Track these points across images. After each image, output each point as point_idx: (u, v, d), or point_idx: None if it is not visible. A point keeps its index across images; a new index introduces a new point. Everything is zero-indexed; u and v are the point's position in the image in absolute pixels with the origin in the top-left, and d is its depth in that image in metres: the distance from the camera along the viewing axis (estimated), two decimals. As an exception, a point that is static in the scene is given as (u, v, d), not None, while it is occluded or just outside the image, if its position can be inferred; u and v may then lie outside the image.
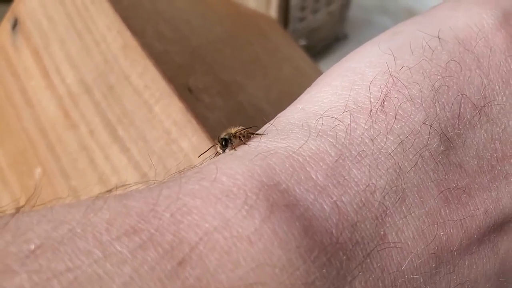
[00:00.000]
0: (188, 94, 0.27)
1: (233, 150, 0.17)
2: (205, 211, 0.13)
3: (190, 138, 0.25)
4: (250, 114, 0.31)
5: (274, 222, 0.13)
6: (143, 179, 0.26)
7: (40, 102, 0.32)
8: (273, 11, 0.56)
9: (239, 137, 0.18)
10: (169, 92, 0.26)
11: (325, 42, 0.67)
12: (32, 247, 0.11)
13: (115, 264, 0.12)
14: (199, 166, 0.16)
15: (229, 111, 0.29)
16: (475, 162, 0.17)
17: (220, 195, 0.14)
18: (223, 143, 0.18)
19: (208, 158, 0.18)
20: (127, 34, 0.28)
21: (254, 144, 0.17)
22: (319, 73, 0.47)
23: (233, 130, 0.18)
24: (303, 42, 0.61)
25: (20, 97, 0.33)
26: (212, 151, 0.19)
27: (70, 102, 0.30)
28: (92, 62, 0.29)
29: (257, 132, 0.18)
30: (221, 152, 0.18)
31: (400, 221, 0.15)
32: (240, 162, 0.15)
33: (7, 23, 0.34)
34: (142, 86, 0.27)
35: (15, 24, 0.34)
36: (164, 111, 0.26)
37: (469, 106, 0.17)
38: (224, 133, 0.18)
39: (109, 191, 0.14)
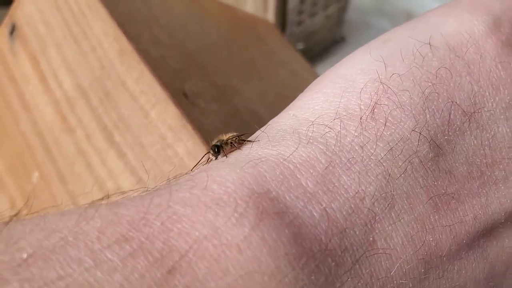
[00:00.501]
0: (183, 99, 0.27)
1: (225, 157, 0.17)
2: (195, 219, 0.13)
3: (186, 143, 0.25)
4: (245, 118, 0.31)
5: (263, 230, 0.13)
6: (139, 184, 0.27)
7: (38, 106, 0.32)
8: (270, 15, 0.56)
9: (231, 144, 0.18)
10: (164, 97, 0.26)
11: (323, 45, 0.68)
12: (24, 255, 0.12)
13: (106, 272, 0.12)
14: (191, 174, 0.16)
15: (225, 115, 0.29)
16: (465, 168, 0.17)
17: (210, 203, 0.14)
18: (216, 150, 0.18)
19: (200, 164, 0.18)
20: (123, 40, 0.28)
21: (246, 151, 0.17)
22: (316, 76, 0.47)
23: (225, 137, 0.18)
24: (300, 45, 0.61)
25: (18, 102, 0.33)
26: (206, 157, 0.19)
27: (67, 107, 0.30)
28: (88, 67, 0.29)
29: (248, 139, 0.18)
30: (214, 159, 0.18)
31: (389, 227, 0.16)
32: (231, 170, 0.15)
33: (4, 28, 0.34)
34: (138, 91, 0.27)
35: (12, 30, 0.34)
36: (160, 117, 0.26)
37: (459, 112, 0.18)
38: (216, 140, 0.18)
39: (101, 199, 0.14)
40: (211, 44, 0.37)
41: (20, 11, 0.33)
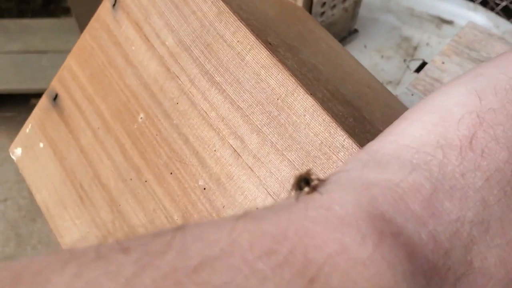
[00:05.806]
0: (269, 47, 0.35)
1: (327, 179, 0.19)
2: (326, 237, 0.15)
3: (276, 76, 0.33)
4: (309, 68, 0.39)
5: (384, 249, 0.15)
6: (237, 112, 0.34)
7: (141, 62, 0.40)
8: (299, 5, 0.65)
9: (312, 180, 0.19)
10: (258, 44, 0.34)
11: (340, 36, 0.76)
12: (194, 263, 0.13)
13: (260, 279, 0.13)
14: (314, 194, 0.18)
15: (297, 63, 0.37)
16: None
17: (336, 223, 0.16)
18: (306, 182, 0.19)
19: (292, 196, 0.19)
20: (220, 3, 0.36)
21: (355, 173, 0.19)
22: (346, 52, 0.56)
23: (304, 173, 0.20)
24: (323, 33, 0.70)
25: (122, 60, 0.41)
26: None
27: (171, 60, 0.38)
28: (189, 27, 0.37)
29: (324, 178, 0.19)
30: (306, 190, 0.19)
31: (485, 249, 0.17)
32: (347, 192, 0.17)
33: (107, 2, 0.42)
34: (235, 42, 0.35)
35: (114, 3, 0.42)
36: (254, 58, 0.34)
37: None
38: (299, 175, 0.19)
39: (246, 213, 0.16)
40: (271, 18, 0.45)
41: (122, -12, 0.41)
